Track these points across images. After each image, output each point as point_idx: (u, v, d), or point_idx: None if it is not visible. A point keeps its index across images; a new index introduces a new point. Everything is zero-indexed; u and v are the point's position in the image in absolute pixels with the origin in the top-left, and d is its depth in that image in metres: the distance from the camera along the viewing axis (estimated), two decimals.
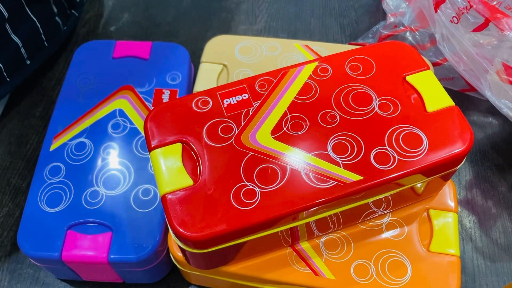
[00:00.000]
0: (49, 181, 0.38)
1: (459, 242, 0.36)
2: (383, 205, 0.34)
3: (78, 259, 0.35)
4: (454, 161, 0.32)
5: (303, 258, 0.34)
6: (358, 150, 0.31)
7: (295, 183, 0.30)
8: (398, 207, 0.36)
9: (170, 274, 0.40)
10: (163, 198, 0.30)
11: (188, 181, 0.30)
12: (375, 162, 0.31)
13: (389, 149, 0.31)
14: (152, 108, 0.42)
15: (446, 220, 0.36)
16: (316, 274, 0.33)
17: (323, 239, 0.35)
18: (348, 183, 0.30)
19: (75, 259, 0.35)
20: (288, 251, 0.34)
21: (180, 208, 0.29)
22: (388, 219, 0.36)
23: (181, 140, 0.32)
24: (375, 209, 0.34)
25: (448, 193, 0.37)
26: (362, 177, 0.30)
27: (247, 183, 0.30)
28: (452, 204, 0.37)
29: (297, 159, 0.31)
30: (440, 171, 0.32)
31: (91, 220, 0.36)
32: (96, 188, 0.37)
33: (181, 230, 0.29)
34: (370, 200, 0.32)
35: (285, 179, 0.30)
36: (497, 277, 0.40)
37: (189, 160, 0.31)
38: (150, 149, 0.32)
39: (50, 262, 0.36)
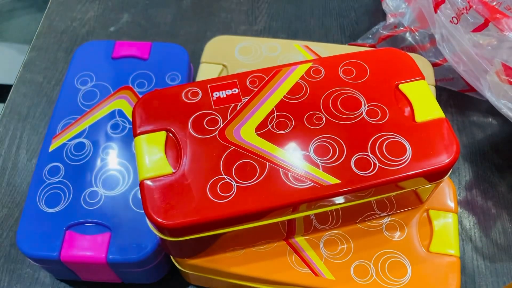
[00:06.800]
0: (48, 181, 0.38)
1: (459, 242, 0.36)
2: (366, 211, 0.34)
3: (77, 259, 0.35)
4: (437, 173, 0.31)
5: (302, 258, 0.34)
6: (340, 153, 0.31)
7: (272, 181, 0.30)
8: (379, 214, 0.35)
9: (169, 275, 0.40)
10: (141, 183, 0.30)
11: (167, 169, 0.30)
12: (355, 167, 0.30)
13: (371, 155, 0.31)
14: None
15: (446, 221, 0.36)
16: (315, 274, 0.33)
17: (323, 239, 0.35)
18: (325, 186, 0.30)
19: (74, 259, 0.35)
20: (288, 251, 0.34)
21: (157, 195, 0.29)
22: (388, 220, 0.36)
23: (166, 128, 0.32)
24: (365, 214, 0.34)
25: (448, 194, 0.37)
26: (339, 181, 0.30)
27: (225, 177, 0.30)
28: (452, 204, 0.37)
29: (277, 157, 0.31)
30: (422, 183, 0.32)
31: (90, 220, 0.36)
32: (95, 188, 0.37)
33: (155, 216, 0.29)
34: (347, 205, 0.31)
35: (262, 176, 0.30)
36: (497, 278, 0.40)
37: (172, 149, 0.32)
38: (135, 135, 0.32)
39: (49, 262, 0.36)
